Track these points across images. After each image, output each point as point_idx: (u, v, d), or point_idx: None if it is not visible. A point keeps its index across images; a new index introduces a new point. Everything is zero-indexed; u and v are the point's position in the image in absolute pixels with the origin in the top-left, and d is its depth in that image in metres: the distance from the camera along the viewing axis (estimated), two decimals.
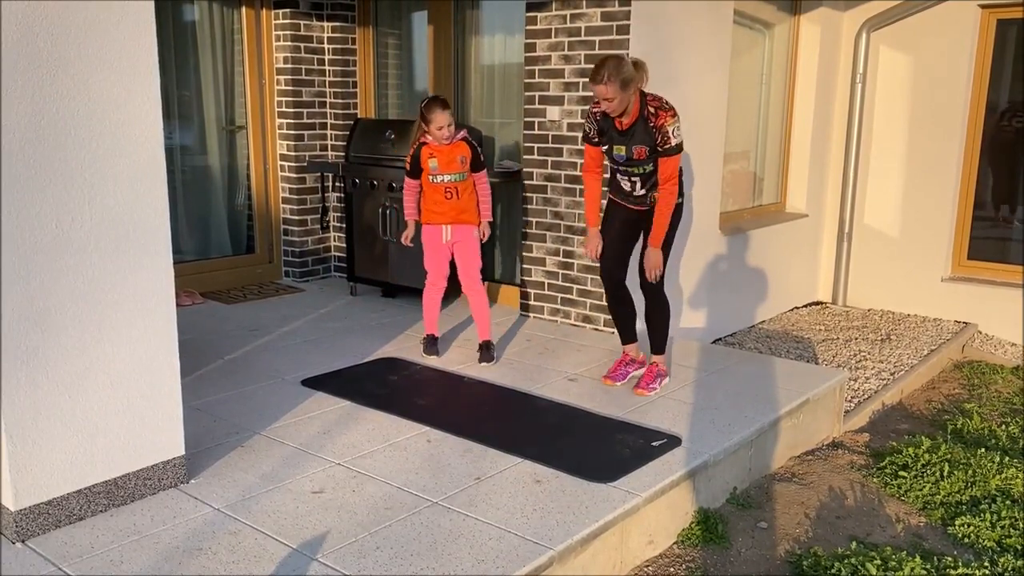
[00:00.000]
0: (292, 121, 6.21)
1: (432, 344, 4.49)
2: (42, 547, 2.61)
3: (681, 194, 3.89)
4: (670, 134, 3.54)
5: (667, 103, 3.61)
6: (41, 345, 2.59)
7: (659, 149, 3.62)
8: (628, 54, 3.65)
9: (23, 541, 2.63)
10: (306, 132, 6.30)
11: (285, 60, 6.13)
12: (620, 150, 3.75)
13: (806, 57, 6.43)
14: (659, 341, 4.04)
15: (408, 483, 3.06)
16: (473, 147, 4.30)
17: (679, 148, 3.58)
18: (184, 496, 2.95)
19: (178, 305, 5.50)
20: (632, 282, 4.02)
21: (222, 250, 6.26)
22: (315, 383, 4.07)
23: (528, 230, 5.24)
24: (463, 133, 4.30)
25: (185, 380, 4.08)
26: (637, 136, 3.67)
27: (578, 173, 4.93)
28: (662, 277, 3.91)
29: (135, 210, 2.76)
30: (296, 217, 6.35)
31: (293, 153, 6.25)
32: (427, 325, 4.53)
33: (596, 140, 3.84)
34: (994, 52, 6.13)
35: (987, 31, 6.10)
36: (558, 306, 5.18)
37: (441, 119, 4.17)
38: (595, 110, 3.79)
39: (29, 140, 2.50)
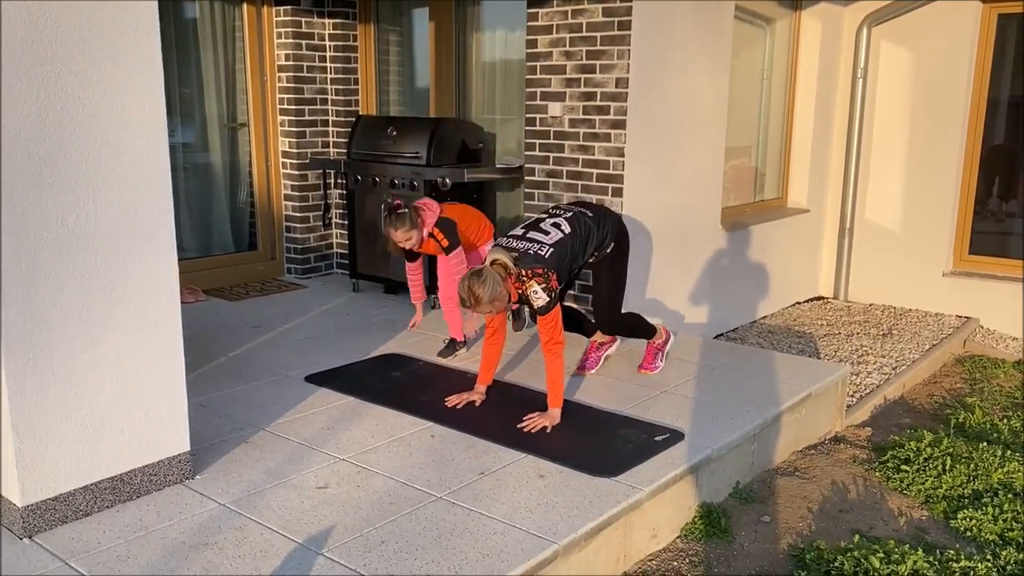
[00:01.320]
0: (294, 118, 6.21)
1: (449, 346, 4.50)
2: (49, 543, 2.62)
3: (625, 234, 3.90)
4: (531, 298, 3.48)
5: (525, 274, 3.48)
6: (47, 341, 2.60)
7: (535, 311, 3.58)
8: (489, 264, 3.49)
9: (30, 537, 2.65)
10: (308, 129, 6.30)
11: (287, 57, 6.13)
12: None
13: (807, 52, 6.43)
14: (645, 334, 4.11)
15: (412, 478, 3.08)
16: (437, 239, 4.13)
17: (548, 307, 3.48)
18: (190, 492, 2.96)
19: (181, 302, 5.51)
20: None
21: (224, 247, 6.27)
22: (318, 379, 4.08)
23: None
24: (428, 229, 4.10)
25: (189, 377, 4.10)
26: (526, 306, 3.66)
27: (580, 168, 4.94)
28: (618, 316, 3.94)
29: (139, 206, 2.77)
30: (298, 214, 6.36)
31: (295, 150, 6.26)
32: (450, 330, 4.55)
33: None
34: (995, 47, 6.13)
35: (988, 26, 6.10)
36: None
37: (398, 237, 4.00)
38: None
39: (34, 138, 2.51)
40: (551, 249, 3.57)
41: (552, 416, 3.52)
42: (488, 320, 3.71)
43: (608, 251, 3.82)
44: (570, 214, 3.76)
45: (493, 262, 3.48)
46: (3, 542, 2.62)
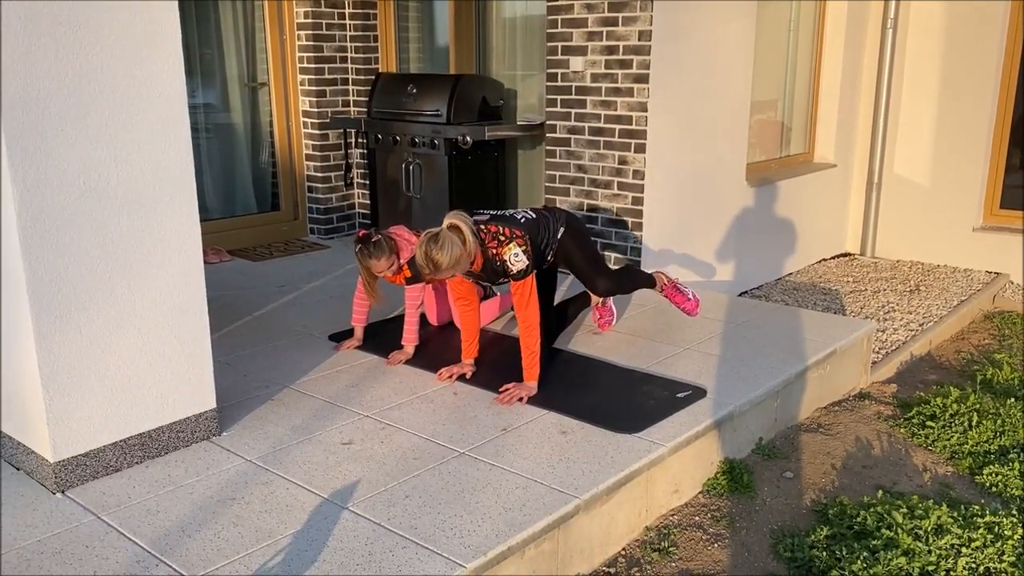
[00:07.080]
0: (314, 77, 6.18)
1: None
2: (81, 497, 2.68)
3: (575, 217, 3.80)
4: (510, 262, 3.36)
5: (504, 233, 3.38)
6: (73, 302, 2.63)
7: (509, 277, 3.46)
8: (446, 228, 3.25)
9: (63, 492, 2.71)
10: (328, 88, 6.27)
11: (306, 15, 6.08)
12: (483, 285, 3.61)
13: (835, 2, 6.27)
14: (648, 282, 4.03)
15: (435, 434, 3.10)
16: (405, 267, 3.83)
17: (524, 273, 3.38)
18: (216, 448, 3.01)
19: (206, 263, 5.56)
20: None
21: (248, 208, 6.30)
22: (343, 338, 4.11)
23: (551, 184, 5.21)
24: (400, 262, 3.76)
25: (214, 336, 4.14)
26: (491, 274, 3.48)
27: (602, 124, 4.88)
28: (611, 273, 3.84)
29: (160, 165, 2.78)
30: (320, 174, 6.36)
31: (316, 109, 6.24)
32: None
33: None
34: None
35: None
36: None
37: (380, 266, 3.69)
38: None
39: (54, 98, 2.51)
40: (524, 220, 3.52)
41: (529, 388, 3.42)
42: (455, 294, 3.59)
43: (560, 236, 3.72)
44: (530, 210, 3.70)
45: (450, 227, 3.30)
46: (37, 497, 2.69)
